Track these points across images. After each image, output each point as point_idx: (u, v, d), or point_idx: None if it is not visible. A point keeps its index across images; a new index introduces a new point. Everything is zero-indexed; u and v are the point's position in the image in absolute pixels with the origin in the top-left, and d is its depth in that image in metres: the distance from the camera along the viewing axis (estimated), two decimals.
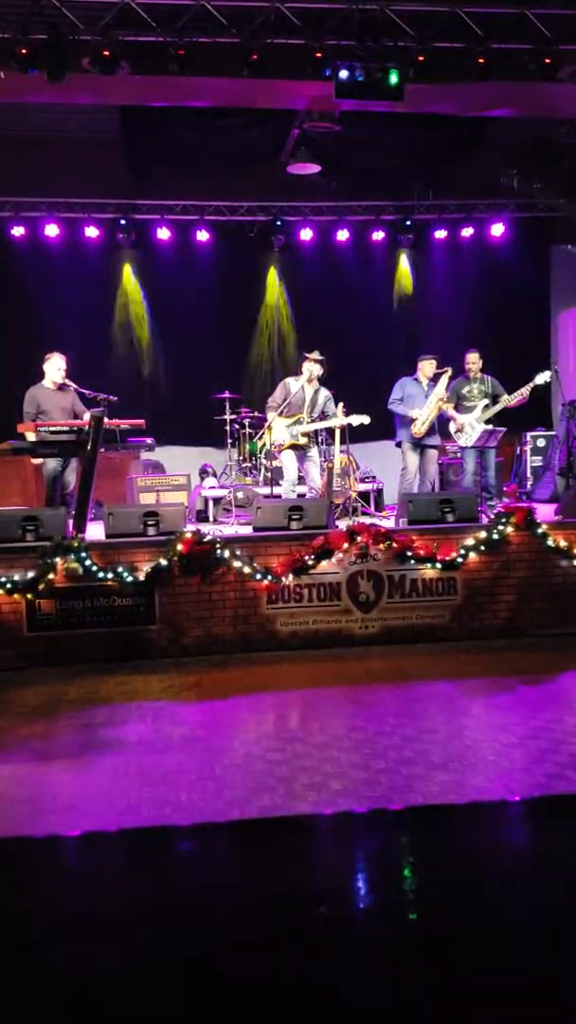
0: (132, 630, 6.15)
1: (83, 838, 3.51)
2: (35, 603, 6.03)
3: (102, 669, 5.88)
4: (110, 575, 6.04)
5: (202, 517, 9.22)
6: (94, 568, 6.03)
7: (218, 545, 6.19)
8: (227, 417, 9.66)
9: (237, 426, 9.89)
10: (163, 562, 6.13)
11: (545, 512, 7.44)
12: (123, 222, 10.92)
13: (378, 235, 11.63)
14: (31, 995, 2.53)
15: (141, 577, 6.09)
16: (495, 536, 6.45)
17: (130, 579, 6.05)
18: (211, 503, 9.28)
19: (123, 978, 2.59)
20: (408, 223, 11.53)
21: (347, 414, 7.94)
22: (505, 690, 5.26)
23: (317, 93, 7.70)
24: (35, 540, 6.18)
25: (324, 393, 7.96)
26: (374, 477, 10.01)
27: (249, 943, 2.75)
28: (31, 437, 6.86)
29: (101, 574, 6.04)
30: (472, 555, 6.45)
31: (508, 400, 8.23)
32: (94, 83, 7.43)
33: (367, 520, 7.70)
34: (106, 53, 7.04)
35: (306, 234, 11.38)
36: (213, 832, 3.51)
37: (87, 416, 7.03)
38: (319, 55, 7.26)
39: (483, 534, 6.48)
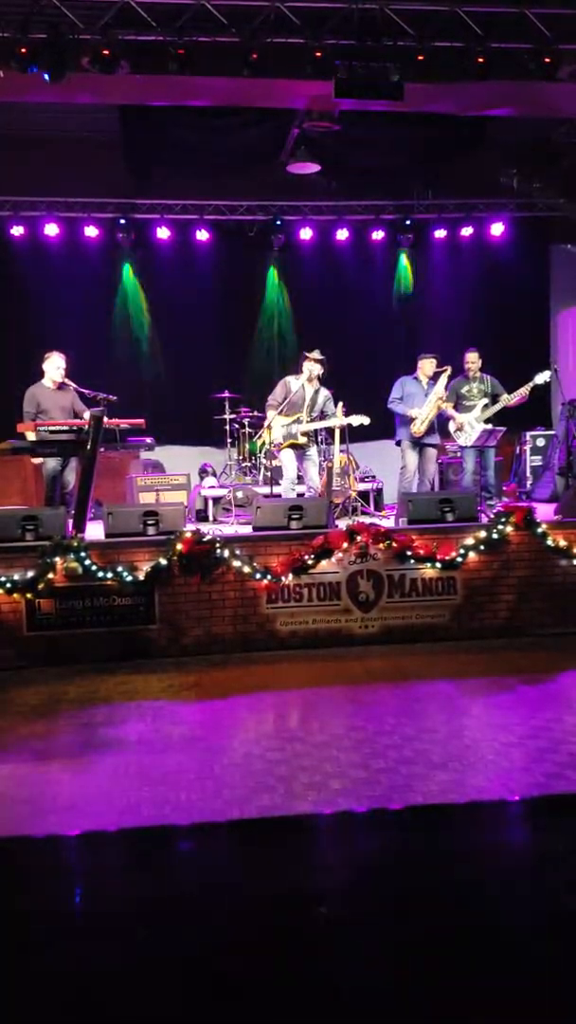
0: (132, 630, 6.15)
1: (83, 838, 3.50)
2: (35, 603, 6.04)
3: (102, 669, 5.88)
4: (110, 575, 6.05)
5: (202, 517, 9.22)
6: (94, 568, 6.04)
7: (218, 545, 6.19)
8: (227, 417, 9.67)
9: (237, 426, 9.89)
10: (163, 562, 6.13)
11: (545, 512, 7.44)
12: (123, 222, 10.91)
13: (378, 235, 11.62)
14: (31, 995, 2.53)
15: (141, 577, 6.09)
16: (495, 536, 6.46)
17: (130, 579, 6.06)
18: (211, 503, 9.28)
19: (123, 978, 2.59)
20: (408, 223, 11.53)
21: (347, 414, 7.93)
22: (505, 690, 5.26)
23: (317, 92, 7.71)
24: (35, 540, 6.19)
25: (324, 393, 7.95)
26: (374, 476, 10.00)
27: (249, 943, 2.74)
28: (31, 436, 6.86)
29: (101, 574, 6.04)
30: (472, 555, 6.46)
31: (508, 399, 8.23)
32: (94, 82, 7.43)
33: (367, 519, 7.69)
34: (106, 52, 7.05)
35: (306, 234, 11.37)
36: (213, 832, 3.50)
37: (87, 415, 7.03)
38: (319, 54, 7.26)
39: (483, 534, 6.48)
